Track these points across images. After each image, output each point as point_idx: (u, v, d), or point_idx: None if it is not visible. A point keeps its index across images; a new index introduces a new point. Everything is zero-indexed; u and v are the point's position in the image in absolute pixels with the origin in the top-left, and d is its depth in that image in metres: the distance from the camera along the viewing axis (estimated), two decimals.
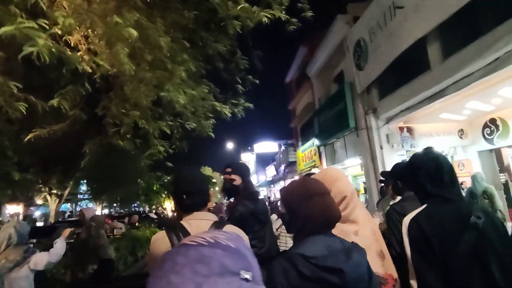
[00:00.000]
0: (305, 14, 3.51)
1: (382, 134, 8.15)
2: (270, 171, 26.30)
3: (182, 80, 3.47)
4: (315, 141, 12.46)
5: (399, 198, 2.44)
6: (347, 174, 11.67)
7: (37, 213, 23.82)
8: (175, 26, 3.59)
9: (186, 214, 1.51)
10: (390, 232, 1.92)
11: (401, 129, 7.96)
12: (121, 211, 25.09)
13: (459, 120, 7.53)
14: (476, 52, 4.96)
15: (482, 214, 1.28)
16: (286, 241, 3.58)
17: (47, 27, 2.19)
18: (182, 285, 0.45)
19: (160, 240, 1.36)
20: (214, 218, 1.54)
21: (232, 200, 2.78)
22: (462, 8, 4.82)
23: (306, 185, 1.22)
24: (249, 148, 34.91)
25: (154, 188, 17.97)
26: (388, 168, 5.58)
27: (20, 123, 4.44)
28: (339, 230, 1.26)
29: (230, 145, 33.23)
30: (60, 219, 15.77)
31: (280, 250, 2.64)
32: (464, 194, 6.33)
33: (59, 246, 3.21)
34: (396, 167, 2.57)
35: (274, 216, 4.49)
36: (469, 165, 7.58)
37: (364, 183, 9.99)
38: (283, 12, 3.30)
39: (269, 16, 3.17)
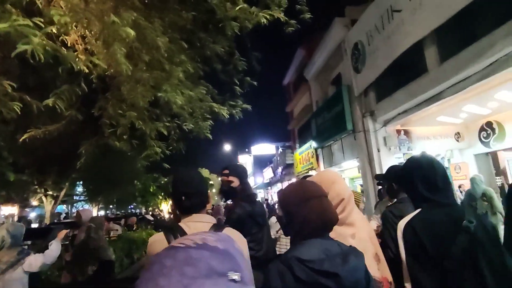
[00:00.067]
0: (304, 16, 3.51)
1: (379, 136, 8.17)
2: (268, 173, 26.29)
3: (180, 81, 3.45)
4: (313, 144, 12.47)
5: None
6: (344, 176, 11.69)
7: (32, 215, 23.60)
8: (173, 27, 3.58)
9: (185, 216, 1.49)
10: (387, 234, 1.92)
11: (398, 132, 7.98)
12: (118, 212, 24.92)
13: (455, 123, 7.57)
14: (473, 55, 4.99)
15: (473, 218, 1.32)
16: (286, 243, 3.56)
17: (43, 26, 2.16)
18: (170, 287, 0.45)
19: (158, 242, 1.34)
20: (212, 220, 1.52)
21: (229, 202, 2.76)
22: (459, 12, 4.85)
23: (304, 187, 1.21)
24: (247, 150, 34.92)
25: (151, 190, 17.84)
26: (385, 170, 5.60)
27: (15, 123, 4.40)
28: (336, 233, 1.25)
29: (227, 147, 33.19)
30: (55, 221, 15.63)
31: (281, 253, 2.63)
32: (462, 196, 6.35)
33: (54, 248, 3.17)
34: (391, 169, 2.57)
35: (273, 219, 4.47)
36: (465, 168, 7.62)
37: (361, 185, 10.00)
38: (282, 14, 3.29)
39: (268, 17, 3.16)
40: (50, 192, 12.40)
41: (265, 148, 30.20)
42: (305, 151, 13.69)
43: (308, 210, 1.12)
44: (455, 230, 1.30)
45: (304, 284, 0.97)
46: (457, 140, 7.83)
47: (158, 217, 17.00)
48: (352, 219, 1.47)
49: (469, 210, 5.52)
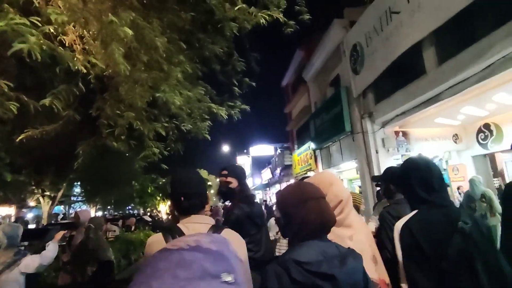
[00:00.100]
0: (303, 17, 3.51)
1: (377, 138, 8.18)
2: (266, 174, 26.28)
3: (178, 81, 3.44)
4: (311, 145, 12.48)
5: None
6: (342, 178, 11.70)
7: (29, 215, 23.47)
8: (172, 27, 3.57)
9: (183, 217, 1.48)
10: (384, 235, 1.92)
11: (396, 133, 8.00)
12: (115, 213, 24.84)
13: (453, 125, 7.59)
14: (471, 57, 5.00)
15: (468, 219, 1.35)
16: (286, 245, 3.55)
17: (40, 25, 2.14)
18: None
19: (156, 243, 1.33)
20: (211, 221, 1.51)
21: (227, 203, 2.75)
22: (457, 14, 4.87)
23: (302, 189, 1.21)
24: (245, 151, 34.89)
25: (149, 191, 17.82)
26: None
27: (12, 123, 4.37)
28: (334, 234, 1.26)
29: (226, 148, 33.16)
30: (53, 221, 15.55)
31: (281, 254, 2.62)
32: (461, 198, 6.36)
33: (51, 249, 3.16)
34: (388, 171, 2.58)
35: (272, 220, 4.45)
36: (463, 169, 7.64)
37: (360, 187, 10.01)
38: (281, 15, 3.29)
39: (267, 17, 3.16)
40: (48, 193, 12.34)
41: (263, 149, 30.17)
42: (304, 152, 13.69)
43: (306, 212, 1.12)
44: (451, 231, 1.33)
45: (301, 286, 0.97)
46: (455, 142, 7.85)
47: (156, 218, 16.95)
48: (350, 220, 1.47)
49: (468, 211, 5.53)
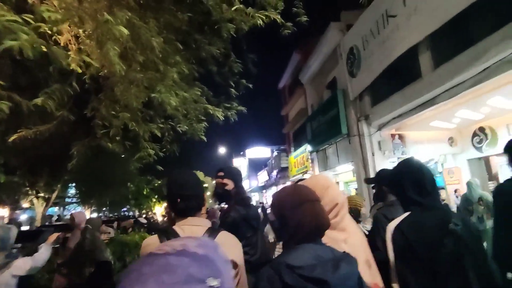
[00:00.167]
0: (300, 19, 3.50)
1: (374, 141, 8.20)
2: (262, 176, 26.23)
3: (174, 82, 3.41)
4: (308, 147, 12.49)
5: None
6: (339, 180, 11.72)
7: (23, 217, 23.21)
8: (168, 28, 3.54)
9: (180, 219, 1.46)
10: (377, 236, 1.92)
11: (392, 136, 8.03)
12: (111, 215, 24.63)
13: (449, 128, 7.63)
14: (467, 61, 5.04)
15: (459, 221, 1.38)
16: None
17: (33, 22, 2.11)
18: None
19: (152, 246, 1.30)
20: (208, 224, 1.49)
21: (223, 205, 2.73)
22: (453, 18, 4.91)
23: (298, 191, 1.20)
24: (242, 153, 34.84)
25: (144, 192, 17.69)
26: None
27: (6, 123, 4.31)
28: (328, 237, 1.25)
29: (222, 150, 33.09)
30: (47, 223, 15.38)
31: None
32: (458, 201, 6.39)
33: (44, 251, 3.11)
34: (381, 173, 2.60)
35: None
36: (458, 172, 7.68)
37: (356, 189, 10.02)
38: (278, 16, 3.28)
39: (264, 18, 3.15)
40: (42, 194, 12.21)
41: (260, 151, 30.15)
42: (300, 154, 13.70)
43: (301, 215, 1.11)
44: (442, 232, 1.35)
45: None
46: (451, 145, 7.89)
47: (152, 220, 16.83)
48: (345, 224, 1.47)
49: (466, 214, 5.58)
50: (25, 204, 16.40)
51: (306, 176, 11.89)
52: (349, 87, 8.88)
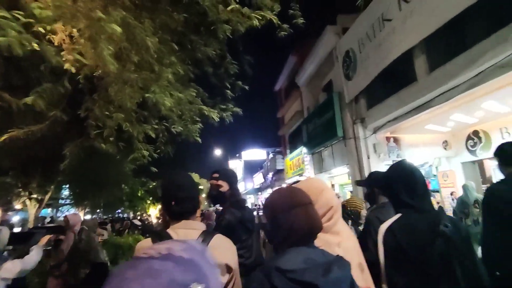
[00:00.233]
0: (297, 21, 3.51)
1: (369, 143, 8.23)
2: (258, 178, 26.21)
3: (169, 82, 3.39)
4: (303, 149, 12.50)
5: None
6: (334, 183, 11.74)
7: (15, 218, 22.90)
8: (164, 28, 3.52)
9: (174, 222, 1.43)
10: (369, 237, 1.93)
11: (387, 139, 8.06)
12: (105, 217, 24.42)
13: (443, 132, 7.69)
14: (461, 65, 5.08)
15: (449, 223, 1.40)
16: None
17: (23, 19, 2.07)
18: None
19: None
20: (202, 227, 1.47)
21: (217, 206, 2.70)
22: (447, 23, 4.95)
23: (292, 194, 1.18)
24: (237, 155, 34.80)
25: (139, 194, 17.57)
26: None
27: None
28: (322, 240, 1.25)
29: (218, 152, 33.03)
30: (39, 225, 15.17)
31: None
32: (454, 203, 6.43)
33: (34, 253, 3.06)
34: (372, 175, 2.61)
35: None
36: (453, 176, 7.72)
37: (351, 192, 10.03)
38: (275, 17, 3.27)
39: (260, 17, 3.14)
40: (35, 195, 12.05)
41: (255, 153, 30.17)
42: (296, 157, 13.70)
43: (295, 217, 1.10)
44: (433, 234, 1.38)
45: None
46: (445, 148, 7.94)
47: (146, 222, 16.70)
48: (338, 227, 1.46)
49: (461, 216, 5.62)
50: (18, 206, 16.17)
51: (301, 178, 11.89)
52: (345, 90, 8.91)
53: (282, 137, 18.88)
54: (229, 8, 3.02)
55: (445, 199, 7.45)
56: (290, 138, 16.72)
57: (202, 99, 4.38)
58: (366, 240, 1.91)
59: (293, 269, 0.97)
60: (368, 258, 1.52)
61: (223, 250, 1.40)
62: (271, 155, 21.40)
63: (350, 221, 3.18)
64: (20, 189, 11.49)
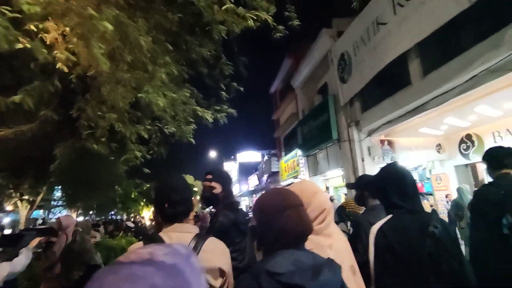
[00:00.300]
0: (292, 22, 3.50)
1: (364, 146, 8.26)
2: (253, 180, 26.17)
3: (163, 82, 3.35)
4: (298, 152, 12.51)
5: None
6: (329, 185, 11.76)
7: (6, 220, 22.55)
8: (158, 28, 3.49)
9: (167, 225, 1.41)
10: (359, 239, 1.96)
11: (382, 142, 8.09)
12: (98, 219, 24.17)
13: (437, 135, 7.74)
14: (455, 70, 5.13)
15: (439, 224, 1.45)
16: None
17: (9, 14, 2.03)
18: None
19: None
20: (195, 230, 1.45)
21: (210, 208, 2.68)
22: (441, 27, 4.99)
23: (281, 196, 1.17)
24: (232, 157, 34.74)
25: (132, 196, 17.39)
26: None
27: None
28: (314, 242, 1.25)
29: (213, 154, 32.98)
30: (30, 226, 14.95)
31: None
32: (449, 206, 6.48)
33: (23, 256, 3.00)
34: (362, 178, 2.66)
35: None
36: (446, 179, 7.77)
37: (346, 194, 10.05)
38: (270, 17, 3.26)
39: (255, 18, 3.13)
40: (26, 197, 11.89)
41: (250, 155, 30.09)
42: (291, 159, 13.71)
43: (287, 219, 1.08)
44: (422, 235, 1.42)
45: None
46: (438, 152, 8.00)
47: (140, 224, 16.55)
48: (330, 230, 1.47)
49: (456, 219, 5.67)
50: (9, 207, 15.93)
51: (296, 181, 11.90)
52: (340, 92, 8.94)
53: (277, 139, 18.89)
54: (223, 7, 3.00)
55: (438, 202, 7.50)
56: (285, 141, 16.74)
57: (197, 100, 4.34)
58: (356, 243, 1.91)
59: (282, 272, 0.96)
60: (359, 260, 1.53)
61: (216, 253, 1.39)
62: (266, 157, 21.37)
63: (349, 223, 3.19)
64: (12, 190, 11.33)
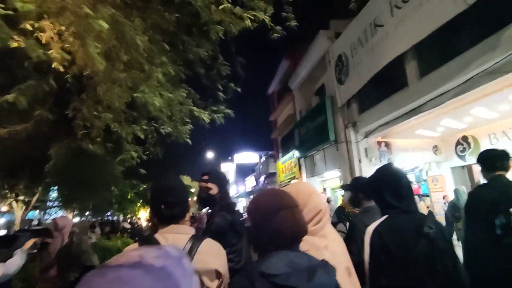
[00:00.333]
0: (290, 23, 3.50)
1: (361, 148, 8.29)
2: (250, 182, 26.15)
3: (159, 82, 3.33)
4: (296, 153, 12.52)
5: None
6: (326, 186, 11.76)
7: (1, 221, 22.37)
8: (155, 28, 3.46)
9: (162, 226, 1.40)
10: (354, 240, 1.96)
11: (379, 143, 8.13)
12: (94, 219, 24.03)
13: (433, 137, 7.78)
14: (451, 72, 5.16)
15: (433, 224, 1.46)
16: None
17: (2, 11, 2.00)
18: None
19: None
20: (191, 231, 1.43)
21: (206, 210, 2.65)
22: (438, 29, 5.02)
23: (275, 197, 1.16)
24: (229, 158, 34.72)
25: (129, 197, 17.31)
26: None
27: None
28: (309, 244, 1.24)
29: (210, 155, 32.93)
30: (25, 227, 14.82)
31: None
32: (446, 207, 6.51)
33: (18, 257, 2.95)
34: (357, 180, 2.68)
35: None
36: (442, 180, 7.81)
37: (343, 195, 10.05)
38: (267, 17, 3.25)
39: (252, 18, 3.11)
40: (22, 197, 11.78)
41: (248, 156, 30.10)
42: (288, 160, 13.71)
43: (282, 219, 1.07)
44: (417, 235, 1.43)
45: None
46: (435, 153, 8.04)
47: (136, 225, 16.48)
48: (326, 231, 1.47)
49: (453, 220, 5.70)
50: (4, 208, 15.80)
51: (294, 181, 11.89)
52: (337, 94, 8.96)
53: (274, 141, 18.90)
54: (221, 7, 2.98)
55: (435, 203, 7.53)
56: (282, 142, 16.74)
57: (193, 101, 4.31)
58: (350, 244, 1.91)
59: (277, 274, 0.94)
60: (354, 261, 1.53)
61: (213, 255, 1.38)
62: (263, 158, 21.38)
63: (348, 223, 3.20)
64: (7, 191, 11.21)
